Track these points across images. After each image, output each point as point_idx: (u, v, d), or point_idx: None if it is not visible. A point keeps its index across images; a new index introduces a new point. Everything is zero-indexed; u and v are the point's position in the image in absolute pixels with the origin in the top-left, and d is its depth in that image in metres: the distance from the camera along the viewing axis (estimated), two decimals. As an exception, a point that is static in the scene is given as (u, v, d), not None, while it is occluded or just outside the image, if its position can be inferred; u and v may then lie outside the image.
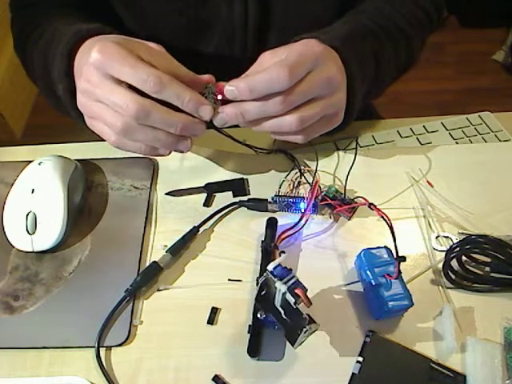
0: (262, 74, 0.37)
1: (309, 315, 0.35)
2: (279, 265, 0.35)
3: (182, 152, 0.41)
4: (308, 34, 0.43)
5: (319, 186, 0.48)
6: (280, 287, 0.34)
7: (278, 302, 0.36)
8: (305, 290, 0.35)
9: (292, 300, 0.34)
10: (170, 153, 0.42)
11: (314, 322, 0.35)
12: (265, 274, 0.36)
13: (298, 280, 0.35)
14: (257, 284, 0.37)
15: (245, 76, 0.40)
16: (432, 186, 0.50)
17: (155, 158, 0.53)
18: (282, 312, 0.36)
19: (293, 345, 0.37)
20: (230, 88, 0.38)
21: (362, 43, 0.46)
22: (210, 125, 0.41)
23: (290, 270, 0.35)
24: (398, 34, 0.50)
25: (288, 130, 0.39)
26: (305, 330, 0.34)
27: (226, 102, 0.39)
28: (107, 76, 0.37)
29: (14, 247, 0.45)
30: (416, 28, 0.53)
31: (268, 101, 0.38)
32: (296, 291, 0.34)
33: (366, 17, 0.50)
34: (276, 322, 0.38)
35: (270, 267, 0.35)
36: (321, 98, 0.40)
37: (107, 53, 0.36)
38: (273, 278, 0.35)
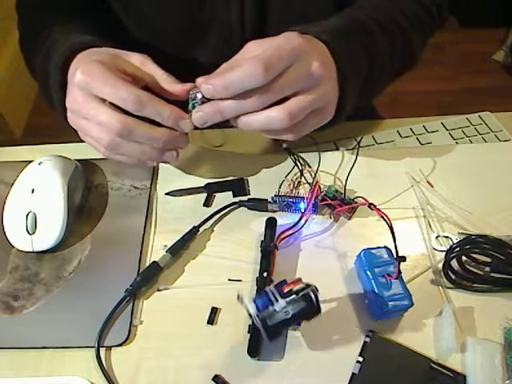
0: (236, 71, 0.36)
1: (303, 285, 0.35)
2: (254, 301, 0.35)
3: (168, 163, 0.44)
4: (296, 27, 0.42)
5: (319, 186, 0.48)
6: (280, 307, 0.34)
7: (284, 314, 0.34)
8: (284, 281, 0.35)
9: (293, 296, 0.34)
10: (158, 163, 0.46)
11: (305, 284, 0.35)
12: (254, 319, 0.34)
13: (273, 285, 0.35)
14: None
15: (225, 67, 0.39)
16: (432, 186, 0.50)
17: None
18: (291, 312, 0.35)
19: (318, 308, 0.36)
20: (207, 87, 0.37)
21: (353, 36, 0.45)
22: None
23: (262, 290, 0.35)
24: (396, 30, 0.50)
25: (279, 127, 0.39)
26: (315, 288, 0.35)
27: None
28: (91, 95, 0.39)
29: (13, 247, 0.45)
30: (416, 25, 0.52)
31: (245, 97, 0.37)
32: (285, 289, 0.34)
33: (362, 12, 0.49)
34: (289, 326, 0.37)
35: (254, 311, 0.34)
36: (306, 91, 0.39)
37: (90, 74, 0.38)
38: (265, 311, 0.34)
